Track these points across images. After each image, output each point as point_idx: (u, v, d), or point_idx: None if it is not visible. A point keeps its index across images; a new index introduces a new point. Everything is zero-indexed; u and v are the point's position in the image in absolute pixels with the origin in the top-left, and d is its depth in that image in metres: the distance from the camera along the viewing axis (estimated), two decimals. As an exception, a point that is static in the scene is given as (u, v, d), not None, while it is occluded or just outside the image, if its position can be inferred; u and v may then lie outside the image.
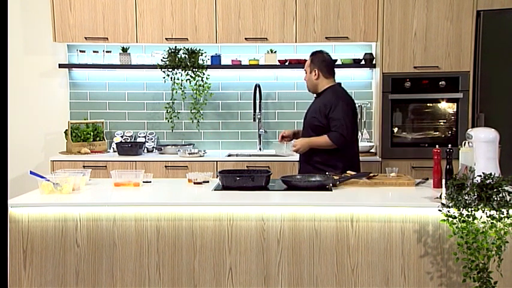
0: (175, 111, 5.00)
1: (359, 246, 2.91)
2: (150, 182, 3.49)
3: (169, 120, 4.98)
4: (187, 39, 4.76)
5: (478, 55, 4.44)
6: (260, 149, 5.09)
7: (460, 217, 2.64)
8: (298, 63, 4.80)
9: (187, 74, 4.84)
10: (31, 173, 3.16)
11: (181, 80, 4.86)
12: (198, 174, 3.47)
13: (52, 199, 3.04)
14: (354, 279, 2.91)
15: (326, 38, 4.69)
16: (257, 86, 4.95)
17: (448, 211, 2.66)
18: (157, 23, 4.75)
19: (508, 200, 2.65)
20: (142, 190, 3.30)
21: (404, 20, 4.49)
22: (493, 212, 2.62)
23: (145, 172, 3.48)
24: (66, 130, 4.91)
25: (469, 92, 4.50)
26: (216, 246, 2.95)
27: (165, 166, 4.61)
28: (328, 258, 2.92)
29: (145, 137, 5.10)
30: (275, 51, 4.93)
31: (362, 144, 4.75)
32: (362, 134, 4.93)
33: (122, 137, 5.09)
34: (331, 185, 3.26)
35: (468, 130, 3.14)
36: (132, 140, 5.09)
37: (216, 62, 4.95)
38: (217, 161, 4.60)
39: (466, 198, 2.66)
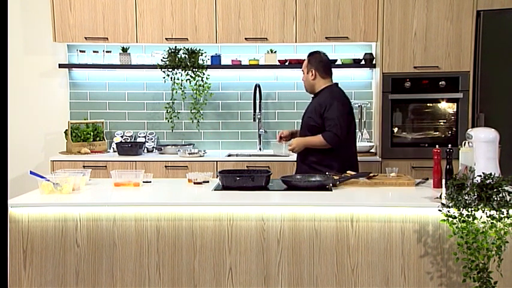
0: (175, 111, 5.00)
1: (359, 246, 2.91)
2: (150, 182, 3.49)
3: (169, 120, 4.98)
4: (187, 39, 4.76)
5: (478, 55, 4.44)
6: (260, 149, 5.09)
7: (460, 217, 2.64)
8: (298, 63, 4.79)
9: (187, 74, 4.85)
10: (31, 173, 3.16)
11: (181, 80, 4.86)
12: (198, 174, 3.47)
13: (52, 199, 3.04)
14: (354, 279, 2.92)
15: (326, 38, 4.69)
16: (257, 86, 4.95)
17: (448, 211, 2.66)
18: (157, 23, 4.75)
19: (508, 200, 2.65)
20: (142, 190, 3.30)
21: (404, 20, 4.49)
22: (493, 212, 2.63)
23: (145, 172, 3.48)
24: (66, 130, 4.91)
25: (469, 92, 4.50)
26: (216, 246, 2.95)
27: (165, 166, 4.61)
28: (328, 258, 2.92)
29: (145, 137, 5.10)
30: (275, 51, 4.93)
31: (362, 144, 4.76)
32: (362, 134, 4.93)
33: (122, 137, 5.09)
34: (331, 185, 3.27)
35: (468, 130, 3.14)
36: (132, 140, 5.09)
37: (216, 62, 4.95)
38: (217, 161, 4.60)
39: (466, 198, 2.66)
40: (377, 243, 2.90)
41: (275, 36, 4.72)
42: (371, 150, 4.75)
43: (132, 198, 3.12)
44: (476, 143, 2.99)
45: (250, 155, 4.85)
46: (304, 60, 3.87)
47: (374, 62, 4.82)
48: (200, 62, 4.85)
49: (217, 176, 3.57)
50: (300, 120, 3.92)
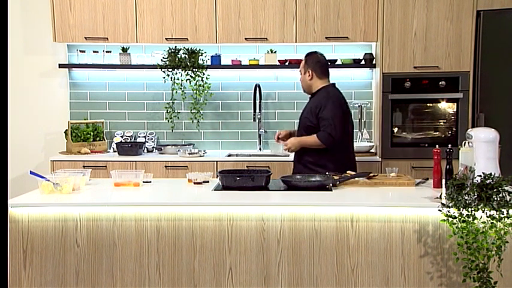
0: (175, 111, 5.00)
1: (359, 246, 2.91)
2: (150, 182, 3.49)
3: (169, 120, 4.98)
4: (187, 39, 4.76)
5: (478, 55, 4.44)
6: (260, 149, 5.09)
7: (460, 217, 2.64)
8: (298, 63, 4.76)
9: (187, 74, 4.85)
10: (31, 173, 3.16)
11: (181, 80, 4.86)
12: (198, 174, 3.47)
13: (52, 199, 3.04)
14: (354, 279, 2.92)
15: (326, 38, 4.69)
16: (257, 86, 4.95)
17: (448, 211, 2.66)
18: (157, 23, 4.75)
19: (508, 200, 2.65)
20: (142, 190, 3.30)
21: (404, 20, 4.50)
22: (493, 212, 2.63)
23: (145, 172, 3.48)
24: (66, 130, 4.91)
25: (469, 92, 4.50)
26: (216, 246, 2.95)
27: (165, 166, 4.61)
28: (328, 258, 2.92)
29: (145, 137, 5.11)
30: (275, 51, 4.93)
31: (362, 144, 4.76)
32: (362, 134, 4.93)
33: (122, 137, 5.09)
34: (331, 185, 3.27)
35: (468, 130, 3.14)
36: (132, 140, 5.09)
37: (216, 62, 4.95)
38: (217, 161, 4.60)
39: (466, 198, 2.66)
40: (377, 243, 2.90)
41: (275, 36, 4.72)
42: (371, 150, 4.74)
43: (132, 198, 3.12)
44: (476, 143, 2.99)
45: (250, 155, 4.85)
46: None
47: (374, 62, 4.82)
48: (200, 62, 4.85)
49: (217, 176, 3.57)
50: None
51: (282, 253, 2.93)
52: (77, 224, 2.96)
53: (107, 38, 4.77)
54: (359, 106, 4.94)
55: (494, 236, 2.62)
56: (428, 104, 4.63)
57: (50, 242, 2.97)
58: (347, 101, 3.84)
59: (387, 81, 4.56)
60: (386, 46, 4.52)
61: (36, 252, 2.97)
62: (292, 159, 3.91)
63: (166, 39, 4.76)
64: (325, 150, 3.65)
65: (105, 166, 4.60)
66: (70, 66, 5.05)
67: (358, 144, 4.75)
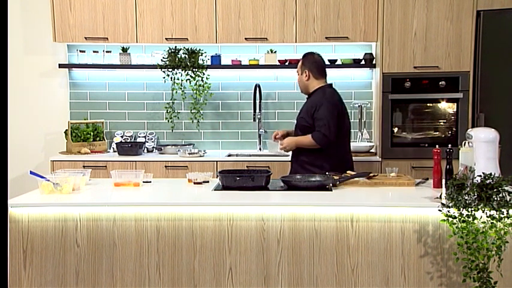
0: (175, 111, 5.00)
1: (359, 246, 2.91)
2: (150, 182, 3.49)
3: (169, 120, 4.98)
4: (187, 39, 4.76)
5: (478, 55, 4.44)
6: (260, 149, 5.09)
7: (460, 217, 2.64)
8: (298, 63, 4.79)
9: (187, 74, 4.85)
10: (31, 173, 3.16)
11: (181, 80, 4.86)
12: (198, 174, 3.47)
13: (52, 199, 3.04)
14: (354, 279, 2.92)
15: (326, 38, 4.69)
16: (257, 86, 4.95)
17: (448, 211, 2.66)
18: (157, 23, 4.75)
19: (508, 200, 2.65)
20: (142, 190, 3.30)
21: (404, 20, 4.49)
22: (493, 212, 2.63)
23: (145, 172, 3.48)
24: (66, 130, 4.91)
25: (469, 92, 4.50)
26: (216, 246, 2.95)
27: (165, 166, 4.61)
28: (328, 258, 2.92)
29: (145, 137, 5.10)
30: (275, 51, 4.93)
31: (362, 144, 4.76)
32: (362, 134, 4.93)
33: (122, 137, 5.09)
34: (331, 185, 3.27)
35: (468, 130, 3.14)
36: (132, 140, 5.09)
37: (216, 62, 4.95)
38: (217, 161, 4.60)
39: (466, 198, 2.66)
40: (377, 243, 2.90)
41: (275, 36, 4.72)
42: (371, 150, 4.74)
43: (132, 198, 3.12)
44: (476, 143, 2.99)
45: (250, 155, 4.85)
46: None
47: (374, 62, 4.82)
48: (200, 62, 4.85)
49: (217, 176, 3.57)
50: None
51: (282, 253, 2.93)
52: (77, 224, 2.96)
53: (107, 38, 4.77)
54: (359, 106, 4.94)
55: (494, 236, 2.62)
56: (428, 104, 4.63)
57: (50, 242, 2.97)
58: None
59: (387, 81, 4.56)
60: (386, 46, 4.52)
61: (36, 252, 2.97)
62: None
63: (166, 39, 4.76)
64: (320, 150, 3.66)
65: (105, 166, 4.60)
66: (70, 66, 5.05)
67: (358, 144, 4.76)
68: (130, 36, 4.77)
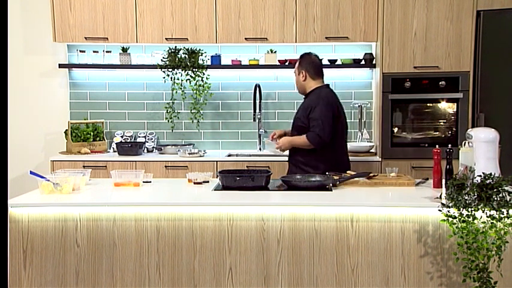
0: (175, 111, 5.00)
1: (359, 246, 2.91)
2: (150, 182, 3.50)
3: (169, 120, 4.98)
4: (187, 39, 4.76)
5: (478, 55, 4.44)
6: (260, 149, 5.09)
7: (460, 217, 2.64)
8: (297, 64, 4.80)
9: (187, 74, 4.85)
10: (31, 173, 3.16)
11: (181, 80, 4.86)
12: (198, 174, 3.47)
13: (52, 199, 3.04)
14: (354, 279, 2.92)
15: (326, 38, 4.69)
16: (257, 86, 4.95)
17: (448, 211, 2.66)
18: (157, 23, 4.75)
19: (508, 200, 2.65)
20: (142, 190, 3.30)
21: (404, 20, 4.49)
22: (493, 212, 2.63)
23: (145, 172, 3.48)
24: (66, 130, 4.91)
25: (469, 92, 4.49)
26: (216, 246, 2.95)
27: (165, 166, 4.61)
28: (328, 258, 2.92)
29: (145, 137, 5.10)
30: (275, 51, 4.93)
31: (362, 144, 4.76)
32: (362, 134, 4.93)
33: (122, 137, 5.09)
34: (331, 185, 3.27)
35: (468, 130, 3.14)
36: (132, 140, 5.09)
37: (216, 62, 4.95)
38: (217, 161, 4.60)
39: (466, 198, 2.66)
40: (377, 243, 2.90)
41: (275, 36, 4.72)
42: (371, 150, 4.74)
43: (132, 198, 3.12)
44: (476, 143, 2.99)
45: (250, 155, 4.85)
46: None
47: (374, 62, 4.82)
48: (200, 62, 4.85)
49: (217, 176, 3.57)
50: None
51: (282, 253, 2.93)
52: (77, 224, 2.96)
53: (107, 38, 4.77)
54: (359, 106, 4.94)
55: (494, 236, 2.62)
56: (428, 104, 4.63)
57: (50, 242, 2.97)
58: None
59: (387, 81, 4.56)
60: (386, 46, 4.52)
61: (36, 252, 2.97)
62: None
63: (166, 39, 4.76)
64: (315, 150, 3.66)
65: (105, 166, 4.60)
66: (70, 66, 5.05)
67: (358, 144, 4.76)
68: (130, 36, 4.77)
